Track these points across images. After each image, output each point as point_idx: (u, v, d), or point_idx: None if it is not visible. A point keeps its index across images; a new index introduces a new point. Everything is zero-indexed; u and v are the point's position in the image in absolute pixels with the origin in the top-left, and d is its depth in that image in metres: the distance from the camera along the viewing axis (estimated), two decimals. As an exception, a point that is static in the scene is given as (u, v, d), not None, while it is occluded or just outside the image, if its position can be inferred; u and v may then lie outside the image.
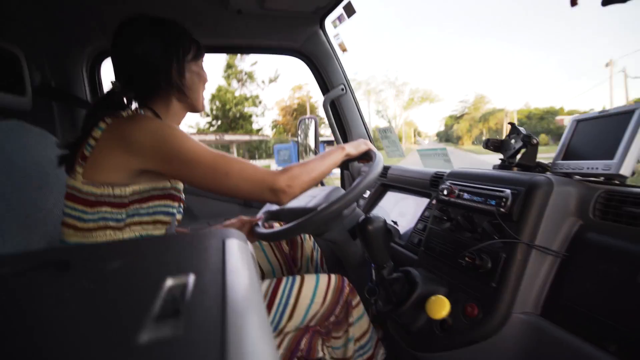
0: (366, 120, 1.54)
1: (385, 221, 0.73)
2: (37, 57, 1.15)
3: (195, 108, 0.83)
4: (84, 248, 0.39)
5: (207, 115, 22.08)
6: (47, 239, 0.83)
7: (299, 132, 1.69)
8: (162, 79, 0.74)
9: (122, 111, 0.72)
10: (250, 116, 23.59)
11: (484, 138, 0.92)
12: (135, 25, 0.74)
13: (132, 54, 0.73)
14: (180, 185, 0.81)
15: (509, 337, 0.61)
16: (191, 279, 0.27)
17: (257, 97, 23.74)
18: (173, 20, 0.78)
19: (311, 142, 1.51)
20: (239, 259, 0.32)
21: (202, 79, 0.81)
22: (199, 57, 0.80)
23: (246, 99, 23.00)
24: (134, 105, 0.79)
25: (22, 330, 0.21)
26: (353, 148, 0.87)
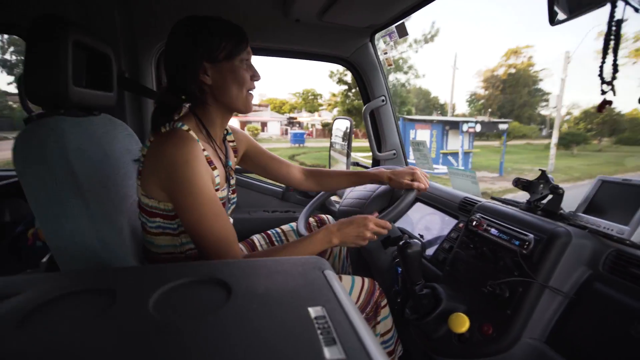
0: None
1: (422, 245, 0.87)
2: (117, 52, 1.27)
3: (233, 109, 0.83)
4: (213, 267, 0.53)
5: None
6: (132, 225, 0.96)
7: (333, 133, 1.80)
8: (188, 78, 0.77)
9: (162, 127, 0.77)
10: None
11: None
12: (180, 25, 0.78)
13: (169, 53, 0.78)
14: (223, 194, 0.86)
15: (516, 357, 0.75)
16: (323, 310, 0.40)
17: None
18: (217, 19, 0.78)
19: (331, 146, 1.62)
20: (340, 290, 0.46)
21: (237, 78, 0.79)
22: (233, 56, 0.78)
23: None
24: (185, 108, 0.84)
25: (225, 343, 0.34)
26: (340, 240, 0.83)
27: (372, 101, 1.57)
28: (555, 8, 0.70)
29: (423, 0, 1.17)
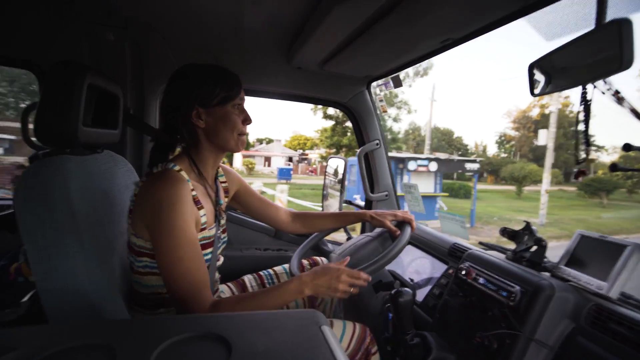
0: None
1: (414, 294, 0.89)
2: (125, 90, 1.32)
3: (224, 149, 0.87)
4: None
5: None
6: (123, 265, 0.93)
7: (327, 170, 1.85)
8: (180, 121, 0.81)
9: (154, 167, 0.81)
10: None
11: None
12: (180, 71, 0.83)
13: (166, 95, 0.84)
14: (211, 233, 0.86)
15: None
16: None
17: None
18: (214, 66, 0.83)
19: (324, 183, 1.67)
20: (337, 349, 0.47)
21: (228, 122, 0.83)
22: (226, 102, 0.83)
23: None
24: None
25: None
26: (313, 291, 0.80)
27: (366, 144, 1.64)
28: (535, 82, 0.78)
29: (418, 58, 1.27)
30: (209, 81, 0.82)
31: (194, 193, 0.81)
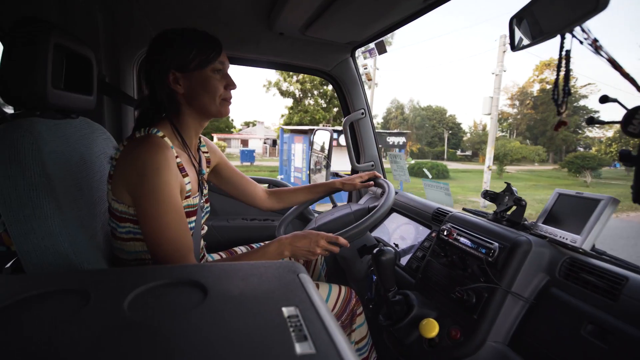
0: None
1: (395, 253, 0.90)
2: (98, 56, 1.26)
3: (206, 114, 0.86)
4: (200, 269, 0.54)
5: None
6: (105, 231, 0.94)
7: (312, 143, 1.84)
8: (157, 86, 0.80)
9: (136, 132, 0.80)
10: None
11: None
12: (157, 36, 0.82)
13: (146, 62, 0.83)
14: (195, 201, 0.86)
15: (482, 359, 0.79)
16: (297, 310, 0.43)
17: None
18: (191, 30, 0.81)
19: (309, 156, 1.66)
20: (313, 291, 0.48)
21: (208, 87, 0.81)
22: (204, 66, 0.81)
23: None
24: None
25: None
26: (291, 253, 0.86)
27: (351, 114, 1.63)
28: (516, 36, 0.77)
29: (401, 20, 1.24)
30: (185, 44, 0.80)
31: (178, 160, 0.80)
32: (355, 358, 0.36)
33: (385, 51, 1.42)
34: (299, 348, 0.36)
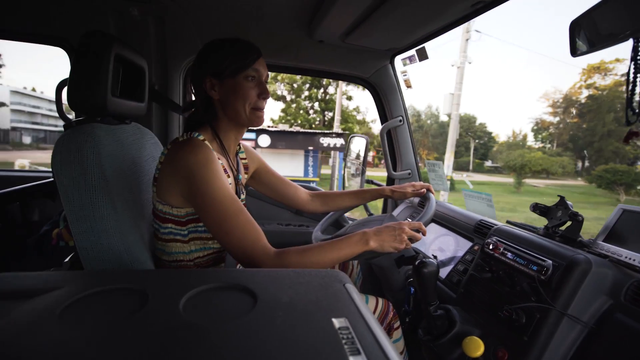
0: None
1: (438, 266, 0.87)
2: (150, 65, 1.34)
3: (238, 122, 0.86)
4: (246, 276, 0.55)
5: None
6: (151, 232, 0.98)
7: (349, 150, 1.83)
8: (196, 93, 0.85)
9: (179, 136, 0.82)
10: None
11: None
12: (204, 46, 0.85)
13: (191, 72, 0.87)
14: None
15: None
16: (346, 322, 0.42)
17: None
18: (232, 39, 0.83)
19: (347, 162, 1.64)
20: (361, 303, 0.47)
21: (239, 94, 0.82)
22: (237, 72, 0.82)
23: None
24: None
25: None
26: (378, 243, 0.79)
27: (389, 121, 1.60)
28: (577, 40, 0.72)
29: (443, 27, 1.21)
30: (222, 52, 0.82)
31: (220, 162, 0.82)
32: None
33: (426, 57, 1.39)
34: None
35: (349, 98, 16.07)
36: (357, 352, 0.36)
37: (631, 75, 0.61)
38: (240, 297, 0.45)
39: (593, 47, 0.70)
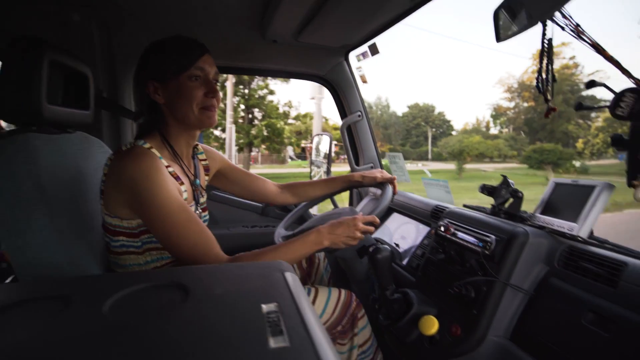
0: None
1: (391, 251, 0.89)
2: (95, 71, 1.29)
3: (188, 124, 0.82)
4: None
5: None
6: (101, 245, 0.94)
7: (313, 149, 1.85)
8: (140, 99, 0.82)
9: (122, 145, 0.78)
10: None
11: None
12: (145, 49, 0.82)
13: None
14: (192, 210, 0.85)
15: (483, 355, 0.77)
16: (276, 306, 0.43)
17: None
18: (173, 38, 0.80)
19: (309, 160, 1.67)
20: (297, 287, 0.48)
21: (184, 95, 0.78)
22: (180, 73, 0.77)
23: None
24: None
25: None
26: (330, 241, 0.81)
27: (348, 116, 1.63)
28: (500, 27, 0.77)
29: (391, 20, 1.25)
30: (160, 52, 0.78)
31: (170, 169, 0.80)
32: (332, 351, 0.36)
33: (378, 52, 1.43)
34: (272, 342, 0.35)
35: (271, 92, 15.71)
36: (280, 332, 0.37)
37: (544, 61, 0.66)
38: (172, 293, 0.45)
39: (513, 31, 0.75)
